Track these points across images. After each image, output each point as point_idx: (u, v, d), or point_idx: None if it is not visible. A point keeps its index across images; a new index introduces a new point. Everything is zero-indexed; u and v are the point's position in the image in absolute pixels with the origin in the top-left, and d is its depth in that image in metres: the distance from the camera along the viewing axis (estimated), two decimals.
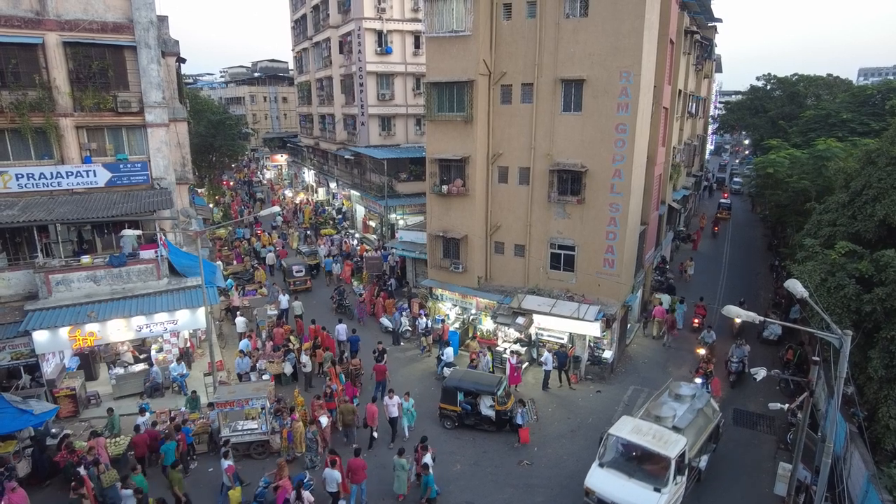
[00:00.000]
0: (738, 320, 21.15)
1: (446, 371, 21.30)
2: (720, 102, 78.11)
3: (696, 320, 26.46)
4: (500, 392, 18.49)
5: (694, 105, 35.02)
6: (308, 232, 42.75)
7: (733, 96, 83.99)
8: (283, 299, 26.95)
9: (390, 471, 15.60)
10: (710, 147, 72.74)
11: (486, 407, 18.54)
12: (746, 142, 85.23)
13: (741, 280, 33.34)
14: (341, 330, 24.21)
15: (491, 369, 21.72)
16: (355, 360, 21.56)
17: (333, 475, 14.45)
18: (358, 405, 18.81)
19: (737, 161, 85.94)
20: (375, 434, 17.93)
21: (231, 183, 65.17)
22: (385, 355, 21.11)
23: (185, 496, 14.79)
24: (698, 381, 19.65)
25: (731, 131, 72.05)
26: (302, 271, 31.97)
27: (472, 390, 18.71)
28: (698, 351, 22.70)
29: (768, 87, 55.09)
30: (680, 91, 29.02)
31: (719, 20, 37.81)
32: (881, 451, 13.89)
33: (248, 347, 21.93)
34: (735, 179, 64.32)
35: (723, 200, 52.50)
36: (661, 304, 26.50)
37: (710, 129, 66.08)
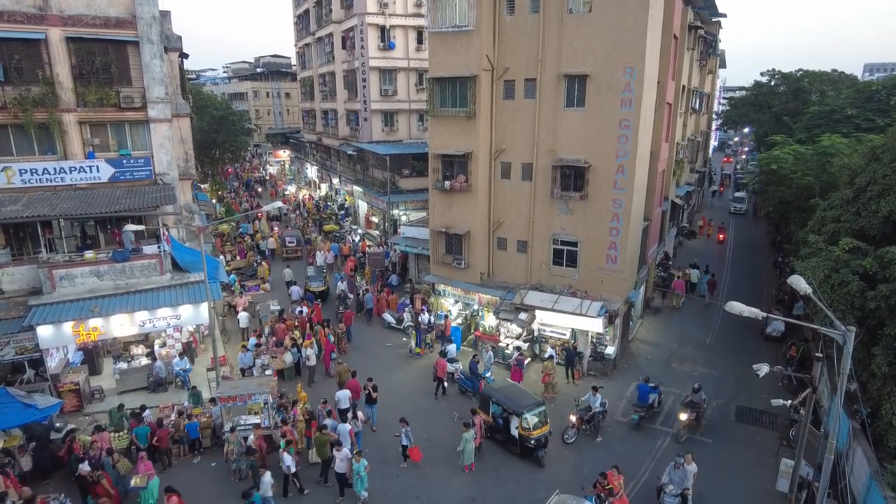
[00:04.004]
0: (683, 416, 17.76)
1: (449, 367, 21.33)
2: (724, 98, 77.84)
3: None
4: (528, 415, 16.47)
5: (697, 101, 34.86)
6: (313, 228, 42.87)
7: (737, 92, 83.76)
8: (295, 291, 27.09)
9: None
10: (713, 143, 71.76)
11: (514, 427, 16.89)
12: (746, 149, 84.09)
13: (744, 276, 33.29)
14: (295, 291, 27.98)
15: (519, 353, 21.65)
16: (341, 325, 24.55)
17: (345, 393, 18.31)
18: (342, 363, 21.46)
19: (738, 167, 70.16)
20: (446, 384, 20.73)
21: (232, 170, 65.31)
22: (376, 392, 18.94)
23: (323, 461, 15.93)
24: None
25: (735, 127, 71.46)
26: (294, 241, 36.66)
27: (502, 404, 17.19)
28: (570, 417, 18.01)
29: (772, 83, 54.84)
30: (683, 87, 28.91)
31: (723, 15, 37.56)
32: (884, 448, 13.88)
33: (254, 347, 22.00)
34: (737, 195, 52.08)
35: (723, 171, 55.05)
36: (687, 277, 30.13)
37: (714, 125, 64.67)
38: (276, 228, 41.61)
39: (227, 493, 15.35)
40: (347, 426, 16.50)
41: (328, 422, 16.76)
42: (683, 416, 17.91)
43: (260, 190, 58.67)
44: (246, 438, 16.30)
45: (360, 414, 17.44)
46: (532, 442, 16.56)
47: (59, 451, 15.96)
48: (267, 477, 14.48)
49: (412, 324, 25.78)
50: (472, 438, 16.22)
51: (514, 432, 16.85)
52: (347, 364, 21.41)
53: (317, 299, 28.21)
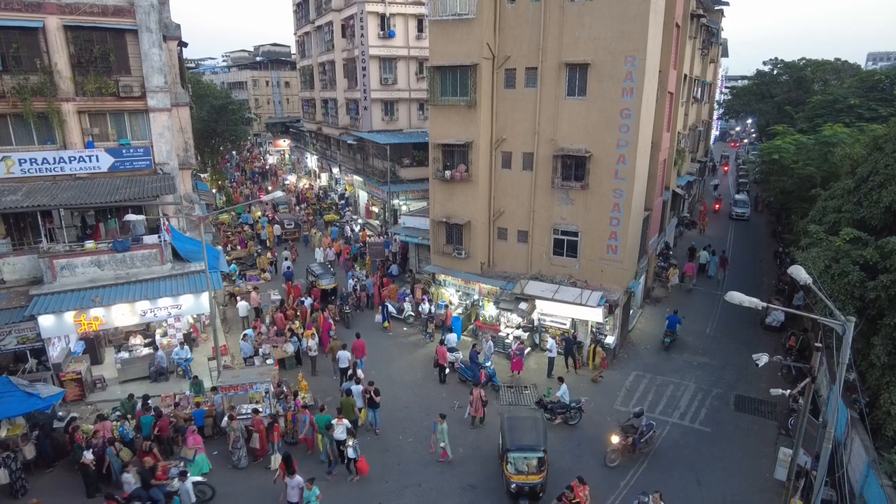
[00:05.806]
0: (614, 439, 16.28)
1: (449, 356, 21.40)
2: (726, 87, 77.34)
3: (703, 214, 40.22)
4: (511, 455, 14.50)
5: (699, 90, 34.68)
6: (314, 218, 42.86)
7: (739, 81, 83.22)
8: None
9: None
10: (715, 133, 71.23)
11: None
12: (746, 141, 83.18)
13: (745, 266, 33.28)
14: (284, 266, 30.47)
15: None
16: (331, 307, 25.79)
17: (345, 355, 20.05)
18: (335, 338, 22.71)
19: (739, 161, 62.67)
20: (447, 371, 21.07)
21: (226, 161, 64.93)
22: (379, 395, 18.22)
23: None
24: None
25: (737, 117, 70.97)
26: (292, 224, 39.21)
27: (503, 434, 15.32)
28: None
29: (775, 72, 54.52)
30: (685, 76, 28.74)
31: (726, 3, 37.40)
32: (882, 437, 13.94)
33: (252, 336, 22.10)
34: (738, 197, 46.30)
35: (724, 154, 55.47)
36: (699, 259, 31.69)
37: (716, 114, 63.82)
38: (271, 213, 41.65)
39: (229, 481, 15.47)
40: (360, 387, 17.87)
41: (347, 385, 18.43)
42: (615, 440, 16.30)
43: (270, 188, 58.41)
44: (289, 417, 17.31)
45: (359, 373, 19.02)
46: (512, 487, 14.35)
47: (62, 441, 16.07)
48: (128, 476, 14.29)
49: (412, 314, 25.89)
50: (446, 430, 16.30)
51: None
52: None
53: (331, 296, 27.26)
